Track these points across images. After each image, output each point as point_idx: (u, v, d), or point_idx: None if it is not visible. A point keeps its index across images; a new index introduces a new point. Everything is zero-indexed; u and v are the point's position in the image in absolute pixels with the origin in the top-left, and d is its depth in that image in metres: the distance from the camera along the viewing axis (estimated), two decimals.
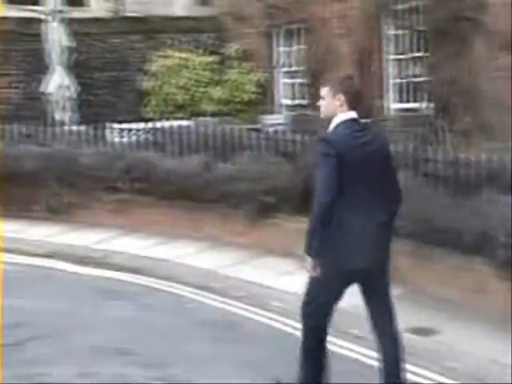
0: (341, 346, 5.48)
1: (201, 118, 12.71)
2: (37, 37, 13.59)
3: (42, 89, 13.35)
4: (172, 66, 14.14)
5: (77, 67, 13.62)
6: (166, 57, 14.34)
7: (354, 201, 4.24)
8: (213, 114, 13.42)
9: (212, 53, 14.61)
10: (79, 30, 13.99)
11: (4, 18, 14.50)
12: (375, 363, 4.55)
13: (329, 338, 4.40)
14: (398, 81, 12.53)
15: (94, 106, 13.90)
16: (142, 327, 6.03)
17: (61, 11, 13.24)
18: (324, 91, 4.43)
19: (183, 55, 14.39)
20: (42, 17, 13.36)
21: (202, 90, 14.06)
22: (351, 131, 4.33)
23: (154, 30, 15.19)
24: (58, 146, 10.34)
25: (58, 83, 13.22)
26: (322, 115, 4.46)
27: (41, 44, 13.48)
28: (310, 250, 4.18)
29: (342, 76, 4.84)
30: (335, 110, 4.36)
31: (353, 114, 4.37)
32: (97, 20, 15.24)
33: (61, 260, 8.37)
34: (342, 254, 4.22)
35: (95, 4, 16.83)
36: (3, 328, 5.84)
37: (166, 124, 10.83)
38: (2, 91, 14.15)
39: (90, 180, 9.73)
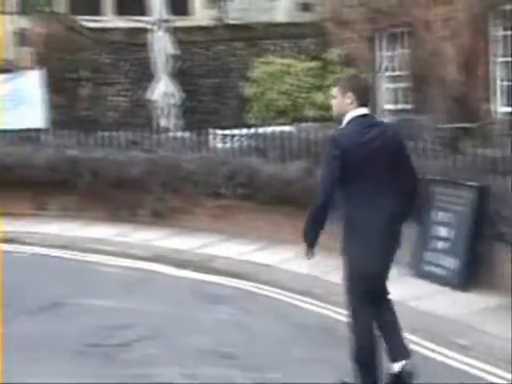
0: (446, 356, 5.33)
1: (302, 124, 12.70)
2: (143, 46, 13.96)
3: (147, 96, 13.69)
4: (274, 72, 14.20)
5: (181, 75, 13.90)
6: (268, 63, 14.43)
7: (361, 196, 4.42)
8: (314, 120, 13.38)
9: (314, 58, 14.58)
10: (183, 38, 14.29)
11: (113, 30, 15.01)
12: (481, 374, 4.40)
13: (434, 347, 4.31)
14: (506, 83, 12.14)
15: (198, 113, 14.15)
16: (243, 331, 6.06)
17: (166, 21, 13.54)
18: (334, 91, 4.67)
19: (285, 61, 14.44)
20: (148, 27, 13.71)
21: (303, 95, 14.05)
22: (360, 127, 4.50)
23: (256, 36, 15.32)
24: (162, 152, 10.56)
25: (163, 91, 13.53)
26: (334, 113, 4.70)
27: (147, 53, 13.84)
28: (306, 238, 4.52)
29: (350, 75, 4.89)
30: (346, 108, 4.56)
31: (363, 111, 4.56)
32: (200, 28, 15.53)
33: (164, 264, 8.53)
34: (354, 254, 4.45)
35: (199, 13, 17.15)
36: (112, 329, 6.01)
37: (268, 130, 10.87)
38: (111, 99, 14.64)
39: (194, 185, 9.88)
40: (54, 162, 11.02)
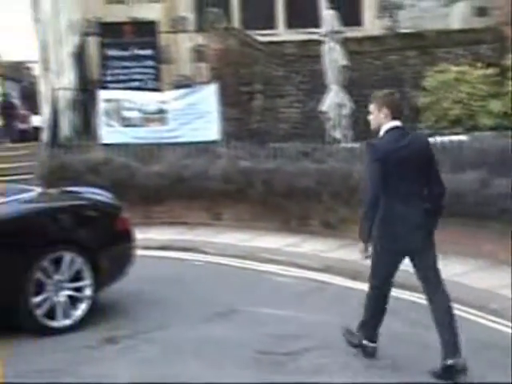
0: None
1: (476, 133, 12.28)
2: (314, 58, 14.07)
3: (319, 107, 13.79)
4: (448, 80, 13.84)
5: (350, 85, 13.88)
6: (442, 71, 14.09)
7: (396, 193, 5.26)
8: (491, 129, 12.89)
9: (490, 65, 14.06)
10: (353, 48, 14.26)
11: (285, 42, 15.28)
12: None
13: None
14: None
15: (367, 123, 14.05)
16: (412, 342, 5.94)
17: (338, 32, 13.57)
18: (371, 107, 5.52)
19: (460, 69, 14.03)
20: (320, 38, 13.80)
21: (478, 103, 13.59)
22: (394, 138, 5.34)
23: (429, 44, 15.01)
24: (333, 163, 10.59)
25: (334, 102, 13.55)
26: (372, 127, 5.52)
27: (318, 64, 13.93)
28: (361, 236, 5.36)
29: (384, 93, 5.64)
30: (381, 121, 5.41)
31: (396, 123, 5.40)
32: (371, 38, 15.44)
33: (335, 274, 8.53)
34: (388, 237, 5.32)
35: (369, 23, 17.08)
36: (283, 337, 6.10)
37: (438, 139, 10.60)
38: (282, 111, 14.89)
39: None
40: (228, 173, 11.37)
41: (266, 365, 5.53)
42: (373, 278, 5.54)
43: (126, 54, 15.60)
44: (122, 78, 15.48)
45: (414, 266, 5.44)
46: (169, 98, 14.02)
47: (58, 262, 6.40)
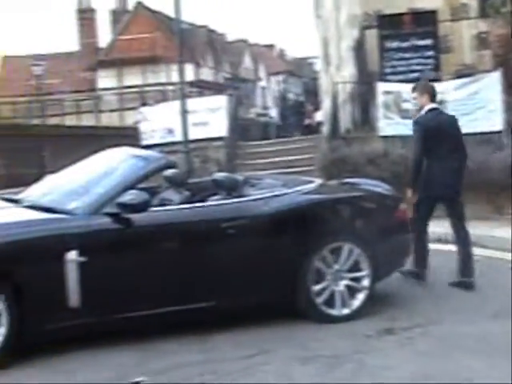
0: None
1: None
2: None
3: None
4: None
5: None
6: None
7: (436, 155, 7.44)
8: None
9: None
10: None
11: None
12: None
13: None
14: None
15: None
16: None
17: None
18: (414, 94, 7.89)
19: None
20: None
21: None
22: (432, 116, 7.59)
23: None
24: None
25: None
26: (417, 107, 7.88)
27: None
28: (411, 185, 7.49)
29: (424, 82, 8.41)
30: (423, 104, 7.67)
31: (434, 105, 7.70)
32: None
33: None
34: (428, 186, 7.46)
35: None
36: None
37: None
38: None
39: None
40: (509, 165, 10.86)
41: None
42: (417, 220, 7.46)
43: (405, 45, 15.49)
44: (400, 69, 15.41)
45: (446, 209, 7.64)
46: (449, 88, 13.69)
47: (337, 252, 6.57)
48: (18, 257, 5.53)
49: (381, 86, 14.24)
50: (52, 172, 7.50)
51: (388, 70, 15.48)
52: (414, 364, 5.40)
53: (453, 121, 7.81)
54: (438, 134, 7.46)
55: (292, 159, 16.58)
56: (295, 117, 40.40)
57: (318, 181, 7.53)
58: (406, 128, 13.52)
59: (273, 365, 5.42)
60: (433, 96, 7.69)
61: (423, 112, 7.62)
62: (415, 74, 15.08)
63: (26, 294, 5.46)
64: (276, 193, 6.74)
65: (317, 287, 6.47)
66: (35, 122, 32.49)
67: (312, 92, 47.51)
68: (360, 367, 5.36)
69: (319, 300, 6.48)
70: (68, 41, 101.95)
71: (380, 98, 14.03)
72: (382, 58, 15.60)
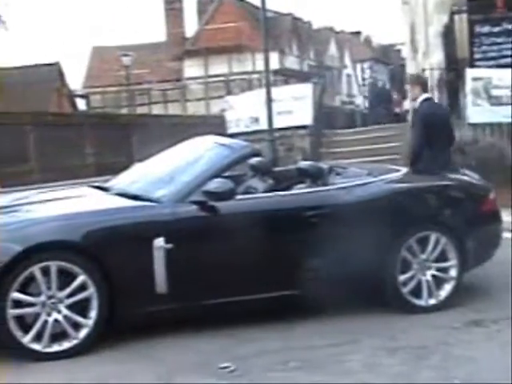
0: None
1: None
2: None
3: None
4: None
5: None
6: None
7: (435, 140, 8.00)
8: None
9: None
10: None
11: None
12: None
13: None
14: None
15: None
16: None
17: None
18: (409, 86, 8.82)
19: None
20: None
21: None
22: (428, 105, 8.22)
23: None
24: None
25: None
26: (411, 99, 8.93)
27: None
28: (412, 162, 8.03)
29: (417, 74, 9.60)
30: (417, 95, 8.29)
31: (427, 95, 8.39)
32: None
33: None
34: (429, 165, 7.76)
35: None
36: None
37: None
38: None
39: None
40: None
41: None
42: None
43: (496, 29, 15.07)
44: (491, 55, 15.00)
45: None
46: None
47: (423, 242, 6.46)
48: (108, 243, 5.66)
49: (470, 73, 13.92)
50: (139, 160, 7.64)
51: (478, 56, 15.09)
52: (503, 356, 5.26)
53: (445, 109, 9.39)
54: (437, 121, 8.12)
55: (377, 147, 16.42)
56: (382, 105, 39.90)
57: (404, 169, 7.42)
58: (496, 115, 13.19)
59: (360, 354, 5.38)
60: (425, 87, 8.45)
61: (418, 103, 8.23)
62: (507, 60, 14.66)
63: (115, 280, 5.59)
64: (361, 181, 6.67)
65: (403, 277, 6.39)
66: (124, 111, 33.22)
67: (398, 79, 46.83)
68: (447, 358, 5.26)
69: (405, 290, 6.40)
70: (154, 32, 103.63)
71: (469, 85, 13.71)
72: (472, 43, 15.22)
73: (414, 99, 8.36)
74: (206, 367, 5.21)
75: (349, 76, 57.88)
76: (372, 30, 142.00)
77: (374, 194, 6.51)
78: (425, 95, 8.24)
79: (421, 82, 8.44)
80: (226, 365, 5.19)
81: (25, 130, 17.57)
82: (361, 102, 56.01)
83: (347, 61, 57.82)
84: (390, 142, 16.67)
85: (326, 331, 5.92)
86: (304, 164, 7.16)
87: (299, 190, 6.68)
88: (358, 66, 60.69)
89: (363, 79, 60.40)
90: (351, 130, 22.84)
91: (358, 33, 64.80)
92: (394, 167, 7.57)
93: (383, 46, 67.05)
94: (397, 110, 31.75)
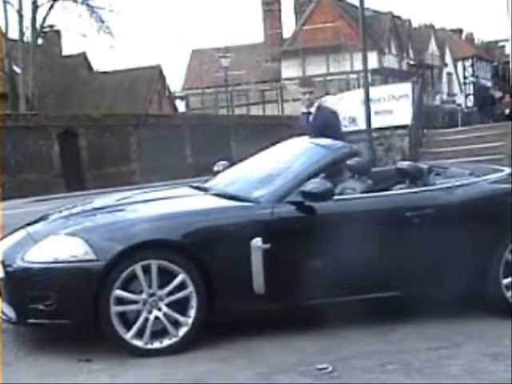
0: None
1: None
2: None
3: None
4: None
5: None
6: None
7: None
8: None
9: None
10: None
11: None
12: None
13: None
14: None
15: None
16: None
17: None
18: (301, 89, 8.38)
19: None
20: None
21: None
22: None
23: None
24: None
25: None
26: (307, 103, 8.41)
27: None
28: None
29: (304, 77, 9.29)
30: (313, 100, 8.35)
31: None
32: None
33: None
34: None
35: None
36: None
37: None
38: None
39: None
40: None
41: None
42: None
43: None
44: None
45: None
46: None
47: None
48: (207, 243, 5.73)
49: None
50: (238, 161, 7.71)
51: None
52: None
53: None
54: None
55: (479, 147, 16.01)
56: (485, 104, 38.85)
57: (508, 169, 7.18)
58: None
59: (462, 359, 5.25)
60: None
61: (315, 108, 8.44)
62: None
63: (214, 279, 5.65)
64: (463, 182, 6.51)
65: (507, 280, 6.19)
66: (222, 112, 33.63)
67: (502, 77, 45.50)
68: None
69: (509, 294, 6.20)
70: (252, 33, 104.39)
71: None
72: None
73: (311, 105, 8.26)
74: (304, 367, 5.20)
75: (450, 74, 56.67)
76: (474, 27, 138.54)
77: (476, 195, 6.34)
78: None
79: (307, 84, 8.37)
80: (323, 366, 5.16)
81: (128, 131, 18.06)
82: (462, 101, 54.73)
83: (448, 59, 56.62)
84: (492, 141, 16.22)
85: (426, 334, 5.81)
86: (403, 164, 7.05)
87: (399, 190, 6.58)
88: (460, 64, 59.34)
89: (465, 77, 59.02)
90: (451, 130, 22.35)
91: (460, 30, 63.37)
92: (498, 167, 7.35)
93: (486, 42, 65.31)
94: (507, 110, 30.72)
